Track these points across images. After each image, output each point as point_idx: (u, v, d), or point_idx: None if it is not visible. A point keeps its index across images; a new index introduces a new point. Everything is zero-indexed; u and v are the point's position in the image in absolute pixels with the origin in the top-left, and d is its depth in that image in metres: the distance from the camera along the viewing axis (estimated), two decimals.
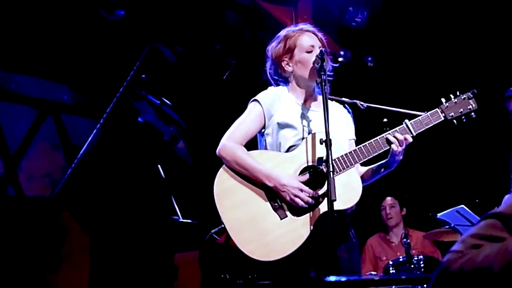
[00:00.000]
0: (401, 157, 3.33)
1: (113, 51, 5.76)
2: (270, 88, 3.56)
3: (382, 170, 3.43)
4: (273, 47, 3.57)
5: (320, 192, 3.24)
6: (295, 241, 3.19)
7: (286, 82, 3.58)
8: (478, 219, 1.51)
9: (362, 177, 3.45)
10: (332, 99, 3.59)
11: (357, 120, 3.65)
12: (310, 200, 3.20)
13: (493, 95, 5.32)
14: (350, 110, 3.63)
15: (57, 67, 5.71)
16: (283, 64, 3.51)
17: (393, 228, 6.66)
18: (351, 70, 7.00)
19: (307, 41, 3.47)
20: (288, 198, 3.21)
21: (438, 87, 3.61)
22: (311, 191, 3.22)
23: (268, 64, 3.61)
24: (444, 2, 6.80)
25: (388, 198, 6.68)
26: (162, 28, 5.99)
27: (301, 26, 3.59)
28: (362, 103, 3.61)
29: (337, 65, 3.57)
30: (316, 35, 3.52)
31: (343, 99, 3.62)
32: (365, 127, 3.61)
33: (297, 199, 3.19)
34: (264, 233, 3.23)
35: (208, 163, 3.48)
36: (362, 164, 3.50)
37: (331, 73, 3.53)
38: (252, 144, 3.52)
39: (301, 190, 3.20)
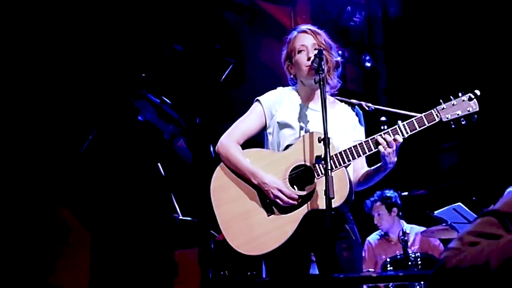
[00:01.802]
0: (394, 159, 3.25)
1: (114, 51, 5.78)
2: (279, 88, 3.65)
3: (378, 172, 3.40)
4: (282, 55, 3.66)
5: (307, 191, 3.29)
6: (279, 237, 3.25)
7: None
8: (475, 217, 1.51)
9: (359, 180, 3.49)
10: (341, 101, 3.64)
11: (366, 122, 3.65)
12: (289, 201, 3.25)
13: (491, 94, 5.35)
14: (360, 112, 3.63)
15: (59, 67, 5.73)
16: (288, 69, 3.62)
17: (389, 229, 6.64)
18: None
19: (298, 41, 3.53)
20: (270, 196, 3.29)
21: (450, 89, 3.55)
22: (289, 192, 3.26)
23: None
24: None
25: (375, 206, 6.60)
26: (162, 28, 6.01)
27: (298, 28, 3.65)
28: (369, 104, 3.58)
29: (340, 59, 3.62)
30: (311, 34, 3.54)
31: (352, 100, 3.63)
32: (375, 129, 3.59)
33: (277, 200, 3.27)
34: (251, 228, 3.31)
35: (207, 161, 3.53)
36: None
37: (338, 68, 3.61)
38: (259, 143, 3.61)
39: (280, 191, 3.25)
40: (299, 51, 3.50)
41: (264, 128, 3.58)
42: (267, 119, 3.54)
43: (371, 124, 3.77)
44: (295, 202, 3.26)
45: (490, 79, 6.51)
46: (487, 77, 6.59)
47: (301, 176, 3.34)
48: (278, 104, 3.53)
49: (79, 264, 5.04)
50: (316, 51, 3.38)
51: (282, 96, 3.56)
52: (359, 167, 3.51)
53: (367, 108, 3.58)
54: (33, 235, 4.95)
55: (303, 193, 3.29)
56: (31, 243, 4.94)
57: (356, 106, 3.63)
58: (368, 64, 7.14)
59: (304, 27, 3.63)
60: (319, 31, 3.59)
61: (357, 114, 3.62)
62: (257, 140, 3.63)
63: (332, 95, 3.61)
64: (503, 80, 6.61)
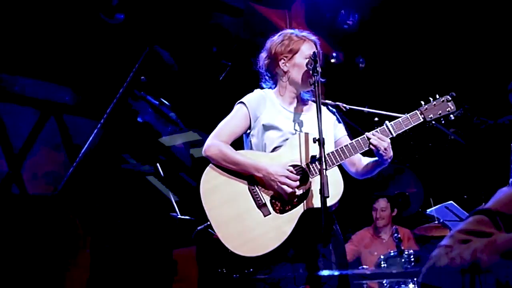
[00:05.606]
0: (390, 154, 3.38)
1: (113, 53, 5.82)
2: (257, 91, 3.64)
3: (378, 165, 3.50)
4: (275, 43, 3.63)
5: (303, 190, 3.33)
6: (278, 237, 3.26)
7: (274, 80, 3.67)
8: (467, 215, 1.54)
9: (360, 172, 3.58)
10: (315, 102, 3.71)
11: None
12: (297, 184, 3.30)
13: (482, 92, 5.43)
14: (334, 111, 3.70)
15: (59, 70, 5.77)
16: (280, 62, 3.58)
17: (382, 227, 6.76)
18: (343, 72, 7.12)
19: (310, 49, 3.54)
20: (276, 186, 3.30)
21: (426, 89, 3.70)
22: (297, 177, 3.31)
23: (263, 55, 3.68)
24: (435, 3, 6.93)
25: (381, 201, 6.73)
26: (160, 31, 6.04)
27: (306, 34, 3.65)
28: (344, 105, 3.67)
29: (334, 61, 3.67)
30: (317, 47, 3.61)
31: (326, 101, 3.68)
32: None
33: (284, 186, 3.27)
34: (248, 229, 3.30)
35: (205, 162, 3.58)
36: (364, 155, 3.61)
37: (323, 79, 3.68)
38: (238, 145, 3.60)
39: (287, 177, 3.29)
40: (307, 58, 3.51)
41: (246, 130, 3.59)
42: (251, 121, 3.54)
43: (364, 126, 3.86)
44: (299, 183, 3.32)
45: (486, 79, 6.62)
46: (479, 78, 6.69)
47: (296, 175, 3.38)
48: (262, 107, 3.54)
49: (79, 262, 5.10)
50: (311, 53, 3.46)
51: (264, 98, 3.57)
52: (356, 161, 3.59)
53: (343, 109, 3.68)
54: (36, 235, 5.00)
55: (305, 189, 3.34)
56: (34, 244, 4.99)
57: (329, 106, 3.71)
58: (361, 66, 7.20)
59: (314, 37, 3.66)
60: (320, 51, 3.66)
61: (333, 113, 3.70)
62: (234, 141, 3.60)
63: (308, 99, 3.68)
64: (498, 78, 6.71)
